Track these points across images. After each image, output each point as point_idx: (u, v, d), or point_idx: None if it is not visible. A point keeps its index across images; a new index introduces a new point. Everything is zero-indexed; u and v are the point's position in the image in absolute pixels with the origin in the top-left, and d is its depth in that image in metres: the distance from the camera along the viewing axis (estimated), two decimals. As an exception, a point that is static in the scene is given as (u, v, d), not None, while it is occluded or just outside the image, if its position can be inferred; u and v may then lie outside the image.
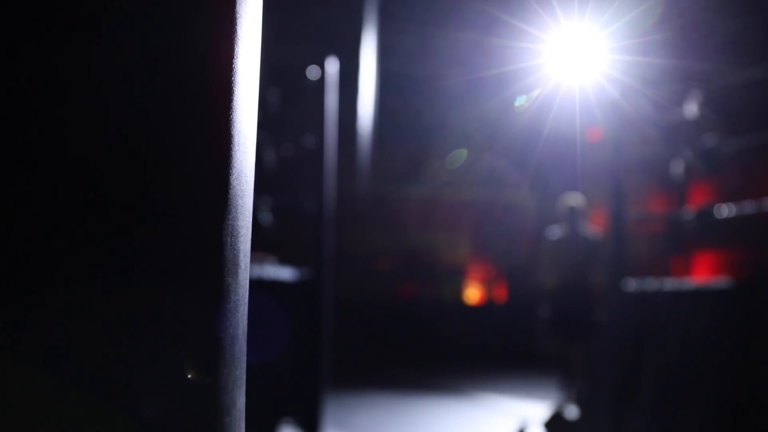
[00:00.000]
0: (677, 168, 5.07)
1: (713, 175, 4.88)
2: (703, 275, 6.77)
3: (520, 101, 4.34)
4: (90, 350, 0.86)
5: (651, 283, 4.48)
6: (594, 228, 6.19)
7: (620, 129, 4.79)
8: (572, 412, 5.57)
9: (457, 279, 12.46)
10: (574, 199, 6.16)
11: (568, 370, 5.90)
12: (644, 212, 7.11)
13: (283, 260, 5.24)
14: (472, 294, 12.42)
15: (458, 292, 12.43)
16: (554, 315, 5.99)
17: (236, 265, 1.01)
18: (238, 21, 1.01)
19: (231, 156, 1.00)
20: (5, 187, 0.84)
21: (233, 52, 1.00)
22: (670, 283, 4.37)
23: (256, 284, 4.50)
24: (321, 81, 4.90)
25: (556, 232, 6.22)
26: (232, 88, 1.00)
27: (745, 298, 3.69)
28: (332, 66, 4.92)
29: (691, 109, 4.71)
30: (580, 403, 5.57)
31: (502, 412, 6.09)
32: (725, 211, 4.35)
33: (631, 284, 4.60)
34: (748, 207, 4.18)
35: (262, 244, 4.82)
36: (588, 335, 5.83)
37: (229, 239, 0.99)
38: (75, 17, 0.88)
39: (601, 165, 7.64)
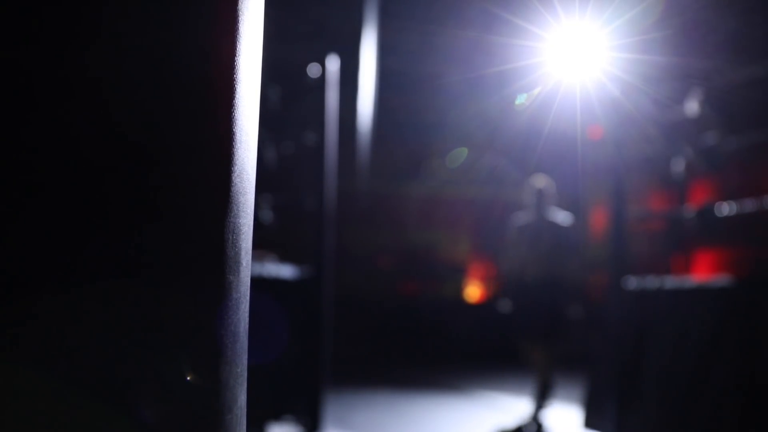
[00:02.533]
0: (678, 166, 5.08)
1: (714, 172, 4.88)
2: (703, 273, 6.77)
3: (521, 99, 4.35)
4: (91, 348, 0.86)
5: (652, 282, 4.48)
6: (564, 213, 5.62)
7: (621, 127, 4.79)
8: (541, 419, 5.20)
9: (457, 277, 12.46)
10: (541, 181, 5.55)
11: (536, 372, 5.41)
12: (645, 210, 7.11)
13: (284, 258, 5.24)
14: (473, 292, 12.42)
15: (459, 291, 12.43)
16: (519, 311, 5.44)
17: (238, 262, 1.01)
18: (239, 19, 1.01)
19: (233, 153, 1.00)
20: (7, 188, 0.84)
21: (235, 49, 1.00)
22: (671, 282, 4.37)
23: (256, 282, 4.51)
24: (321, 79, 4.90)
25: (522, 217, 5.63)
26: (234, 86, 1.00)
27: (746, 296, 3.69)
28: (333, 64, 4.92)
29: (692, 107, 4.71)
30: (539, 408, 5.18)
31: (501, 409, 6.09)
32: (726, 209, 4.35)
33: (632, 282, 4.60)
34: (749, 205, 4.18)
35: (262, 242, 4.82)
36: (559, 334, 5.36)
37: (230, 237, 0.99)
38: (76, 15, 0.88)
39: (601, 163, 7.64)
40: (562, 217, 5.52)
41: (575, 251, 5.52)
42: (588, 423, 4.86)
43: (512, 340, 5.82)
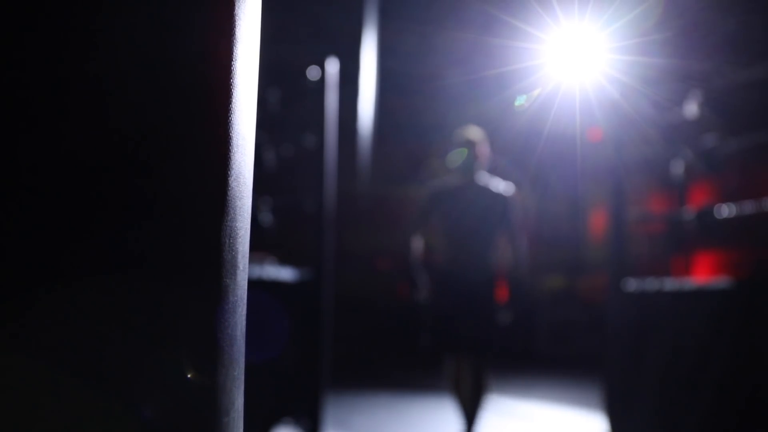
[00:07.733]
0: (677, 168, 5.08)
1: (713, 174, 4.88)
2: (703, 275, 6.77)
3: (520, 101, 4.34)
4: (88, 350, 0.86)
5: (651, 283, 4.48)
6: (504, 182, 4.24)
7: (620, 129, 4.79)
8: None
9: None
10: (474, 133, 4.17)
11: (460, 394, 4.28)
12: (644, 212, 7.10)
13: (284, 260, 5.24)
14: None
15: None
16: (438, 311, 4.12)
17: (234, 266, 1.01)
18: (237, 22, 1.01)
19: (229, 157, 1.00)
20: (6, 187, 0.84)
21: (232, 53, 1.01)
22: (671, 283, 4.37)
23: (256, 284, 4.53)
24: (321, 81, 4.90)
25: (441, 182, 4.27)
26: (230, 90, 1.00)
27: (746, 297, 3.69)
28: (332, 66, 4.92)
29: (691, 108, 4.71)
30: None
31: (501, 411, 6.09)
32: (725, 210, 4.35)
33: (632, 284, 4.60)
34: (748, 207, 4.18)
35: (262, 244, 4.82)
36: (484, 342, 4.09)
37: (227, 240, 0.99)
38: (73, 17, 0.88)
39: (601, 165, 7.64)
40: (502, 185, 4.17)
41: (518, 232, 4.12)
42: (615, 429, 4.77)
43: (434, 351, 4.40)
